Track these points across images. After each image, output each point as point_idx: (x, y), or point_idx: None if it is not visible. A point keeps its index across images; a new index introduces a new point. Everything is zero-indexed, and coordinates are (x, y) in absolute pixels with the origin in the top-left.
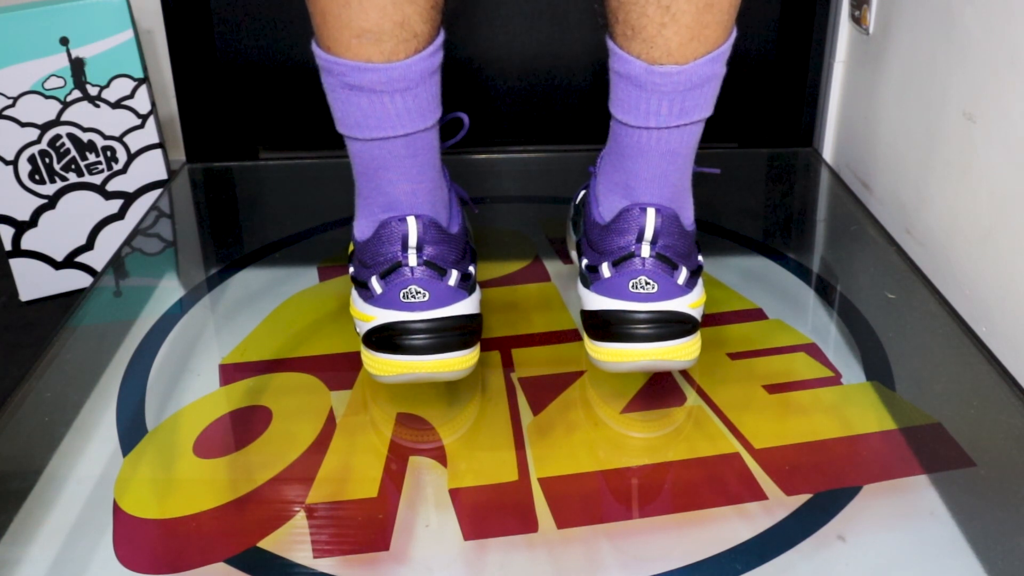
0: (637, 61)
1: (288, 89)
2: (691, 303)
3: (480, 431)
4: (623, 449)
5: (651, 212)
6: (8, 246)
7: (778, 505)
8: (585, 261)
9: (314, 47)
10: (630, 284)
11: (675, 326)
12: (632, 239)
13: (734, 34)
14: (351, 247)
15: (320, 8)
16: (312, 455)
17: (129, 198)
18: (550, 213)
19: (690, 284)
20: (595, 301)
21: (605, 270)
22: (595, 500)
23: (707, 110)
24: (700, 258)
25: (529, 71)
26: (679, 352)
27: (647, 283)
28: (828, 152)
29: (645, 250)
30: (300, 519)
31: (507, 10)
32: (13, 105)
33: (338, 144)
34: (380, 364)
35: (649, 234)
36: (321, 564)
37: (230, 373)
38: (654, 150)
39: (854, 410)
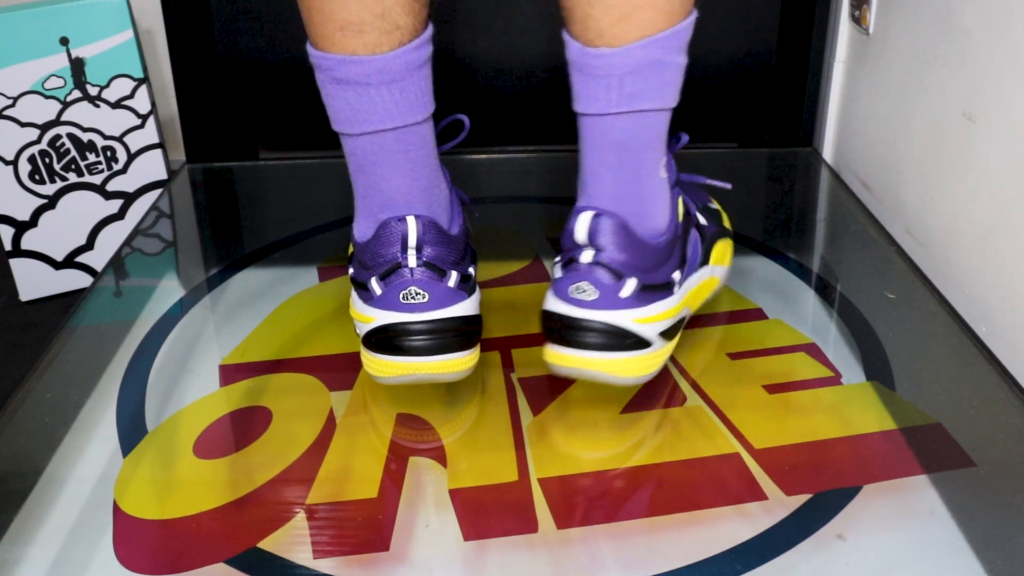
0: (575, 43)
1: (288, 89)
2: (637, 318)
3: (480, 431)
4: (623, 449)
5: (586, 216)
6: (8, 246)
7: (778, 505)
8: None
9: (307, 46)
10: (571, 289)
11: (611, 338)
12: (572, 245)
13: (683, 23)
14: (351, 248)
15: (307, 4)
16: (312, 455)
17: (129, 198)
18: (550, 213)
19: (641, 299)
20: (549, 302)
21: (558, 271)
22: (595, 500)
23: (657, 100)
24: (676, 274)
25: (529, 71)
26: (619, 367)
27: (586, 289)
28: (828, 152)
29: (587, 256)
30: (300, 519)
31: (507, 10)
32: (13, 105)
33: (338, 144)
34: (380, 365)
35: (583, 239)
36: (321, 565)
37: (230, 373)
38: (599, 141)
39: (854, 410)
